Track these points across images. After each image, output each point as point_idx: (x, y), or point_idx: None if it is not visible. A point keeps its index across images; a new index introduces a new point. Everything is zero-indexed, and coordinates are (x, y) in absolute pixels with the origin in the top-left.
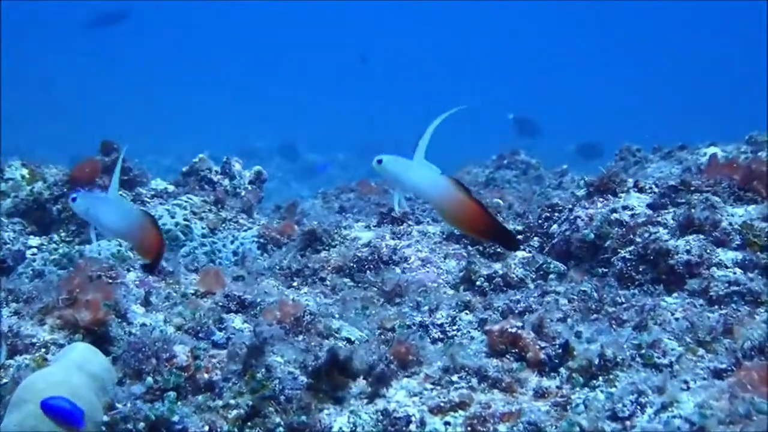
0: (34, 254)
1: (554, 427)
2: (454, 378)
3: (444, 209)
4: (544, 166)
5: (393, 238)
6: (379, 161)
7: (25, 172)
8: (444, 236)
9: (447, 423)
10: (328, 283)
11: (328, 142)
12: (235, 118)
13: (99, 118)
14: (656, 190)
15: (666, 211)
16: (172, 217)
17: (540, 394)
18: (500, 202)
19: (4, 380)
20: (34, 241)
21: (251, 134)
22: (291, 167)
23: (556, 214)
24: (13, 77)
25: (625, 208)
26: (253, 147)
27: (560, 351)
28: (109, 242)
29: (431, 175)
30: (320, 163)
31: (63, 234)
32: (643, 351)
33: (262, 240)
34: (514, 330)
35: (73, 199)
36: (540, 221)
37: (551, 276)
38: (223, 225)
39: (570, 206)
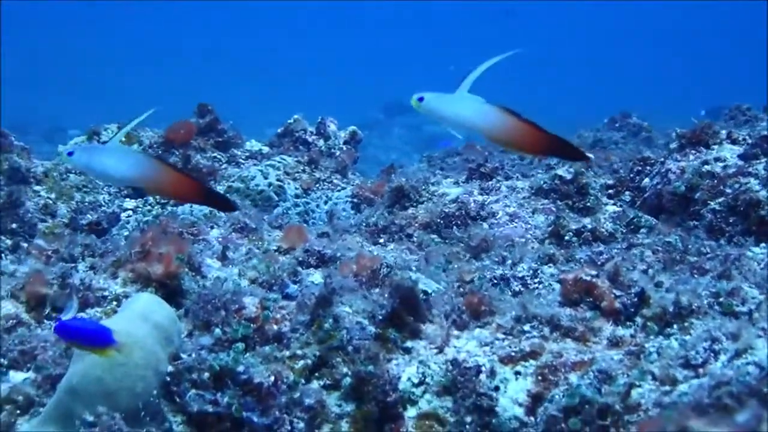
0: (128, 216)
1: (626, 375)
2: (526, 327)
3: (498, 137)
4: (658, 130)
5: (481, 194)
6: (420, 99)
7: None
8: (533, 191)
9: (517, 372)
10: (414, 239)
11: None
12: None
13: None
14: (749, 140)
15: (758, 161)
16: (265, 178)
17: (614, 343)
18: (591, 156)
19: None
20: (129, 203)
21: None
22: (411, 138)
23: (648, 167)
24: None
25: (717, 159)
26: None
27: (636, 300)
28: None
29: (477, 105)
30: (443, 139)
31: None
32: (722, 299)
33: (355, 200)
34: (588, 278)
35: (70, 154)
36: (631, 175)
37: (642, 230)
38: (317, 185)
39: (662, 159)
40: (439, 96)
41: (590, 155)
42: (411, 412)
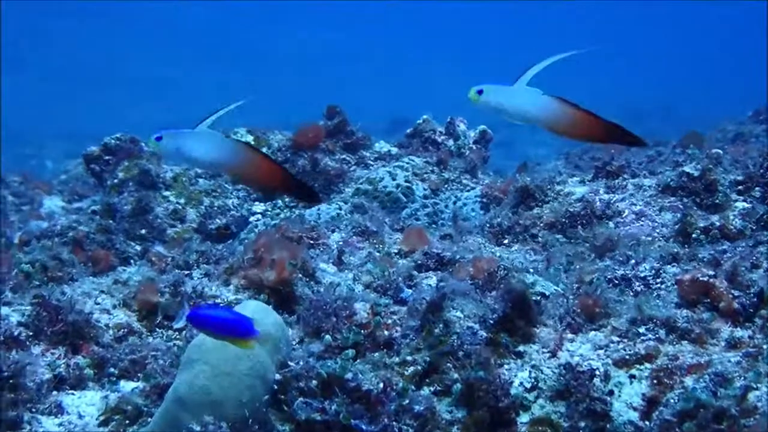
0: (257, 220)
1: (743, 378)
2: (642, 330)
3: (558, 127)
4: None
5: (607, 192)
6: (480, 92)
7: (250, 138)
8: (660, 189)
9: (632, 376)
10: (539, 239)
11: (597, 104)
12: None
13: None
14: None
15: None
16: (393, 179)
17: (732, 344)
18: (720, 152)
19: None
20: (258, 207)
21: None
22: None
23: None
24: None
25: None
26: None
27: (755, 300)
28: (329, 206)
29: (536, 97)
30: None
31: (287, 199)
32: None
33: (484, 200)
34: (705, 279)
35: (158, 139)
36: (762, 171)
37: None
38: (446, 186)
39: None
40: (497, 88)
41: (647, 141)
42: (523, 417)
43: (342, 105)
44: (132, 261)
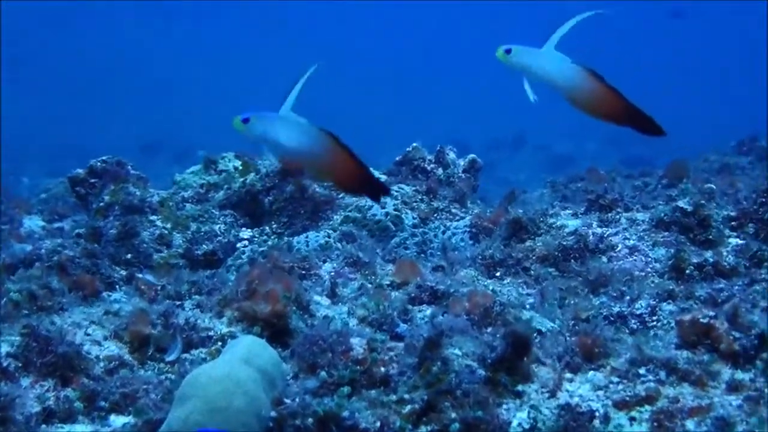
0: (244, 246)
1: (745, 422)
2: (642, 371)
3: (577, 97)
4: None
5: (600, 226)
6: (508, 50)
7: (238, 163)
8: (653, 223)
9: (632, 418)
10: (532, 273)
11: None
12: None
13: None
14: None
15: None
16: (383, 207)
17: (733, 387)
18: (713, 186)
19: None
20: (245, 233)
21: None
22: (541, 159)
23: None
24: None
25: None
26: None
27: (756, 342)
28: (317, 234)
29: (564, 63)
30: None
31: (274, 226)
32: None
33: (474, 230)
34: (706, 320)
35: (245, 120)
36: (755, 207)
37: (766, 264)
38: (435, 215)
39: None
40: (526, 49)
41: (664, 131)
42: None
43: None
44: (118, 286)
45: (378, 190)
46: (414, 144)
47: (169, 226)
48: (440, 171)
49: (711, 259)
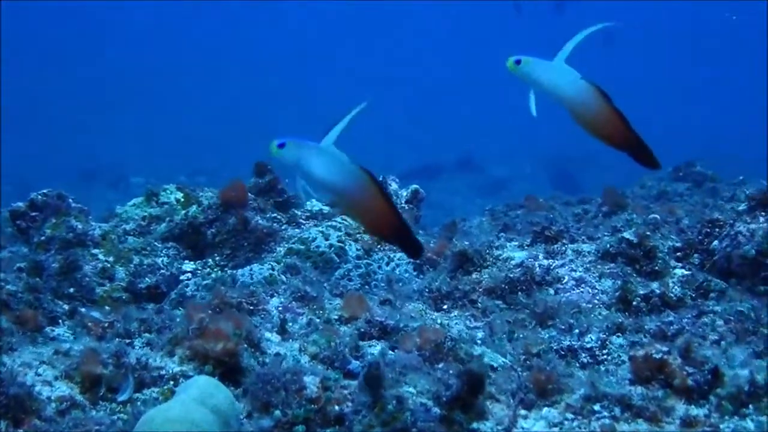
0: (188, 279)
1: None
2: (596, 407)
3: (580, 114)
4: (722, 178)
5: (546, 258)
6: (518, 61)
7: (180, 195)
8: (599, 255)
9: None
10: (479, 305)
11: (514, 154)
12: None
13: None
14: None
15: None
16: (326, 239)
17: (687, 423)
18: (657, 217)
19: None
20: (188, 265)
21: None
22: (474, 182)
23: (717, 229)
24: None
25: None
26: (437, 163)
27: (709, 377)
28: (261, 266)
29: (571, 77)
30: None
31: (217, 258)
32: None
33: (417, 261)
34: (659, 356)
35: (281, 146)
36: (700, 237)
37: (711, 295)
38: (379, 246)
39: (731, 221)
40: (537, 61)
41: (659, 163)
42: None
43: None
44: (60, 321)
45: (411, 244)
46: None
47: (111, 259)
48: None
49: (657, 291)
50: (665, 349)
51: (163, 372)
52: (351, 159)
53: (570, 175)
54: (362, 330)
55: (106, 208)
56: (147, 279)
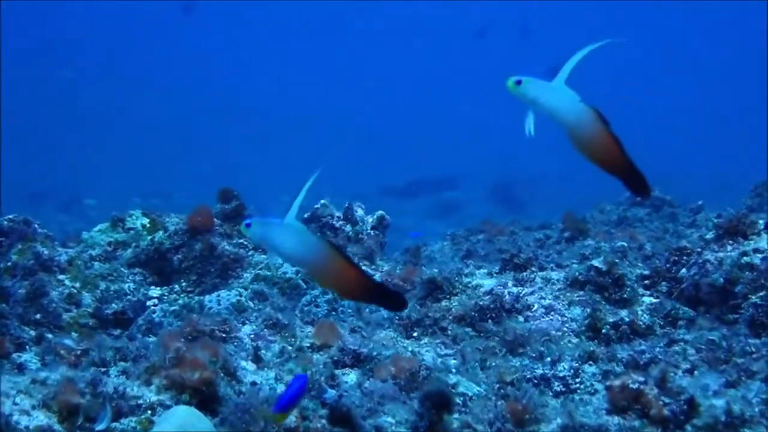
0: (154, 305)
1: None
2: None
3: (577, 137)
4: (679, 203)
5: (516, 285)
6: (518, 82)
7: (146, 221)
8: (568, 283)
9: None
10: (449, 332)
11: (465, 176)
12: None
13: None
14: None
15: None
16: (293, 266)
17: None
18: (624, 244)
19: None
20: (155, 291)
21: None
22: (424, 204)
23: (685, 257)
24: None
25: (756, 251)
26: (391, 185)
27: (685, 407)
28: (229, 292)
29: (570, 99)
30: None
31: (184, 284)
32: None
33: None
34: (636, 386)
35: (247, 225)
36: (668, 265)
37: (680, 323)
38: None
39: (699, 249)
40: (537, 82)
41: (650, 191)
42: None
43: None
44: (27, 347)
45: (390, 300)
46: (322, 200)
47: (77, 285)
48: (349, 228)
49: (627, 319)
50: (641, 379)
51: (140, 401)
52: (312, 232)
53: (516, 199)
54: (336, 358)
55: (61, 231)
56: (114, 305)
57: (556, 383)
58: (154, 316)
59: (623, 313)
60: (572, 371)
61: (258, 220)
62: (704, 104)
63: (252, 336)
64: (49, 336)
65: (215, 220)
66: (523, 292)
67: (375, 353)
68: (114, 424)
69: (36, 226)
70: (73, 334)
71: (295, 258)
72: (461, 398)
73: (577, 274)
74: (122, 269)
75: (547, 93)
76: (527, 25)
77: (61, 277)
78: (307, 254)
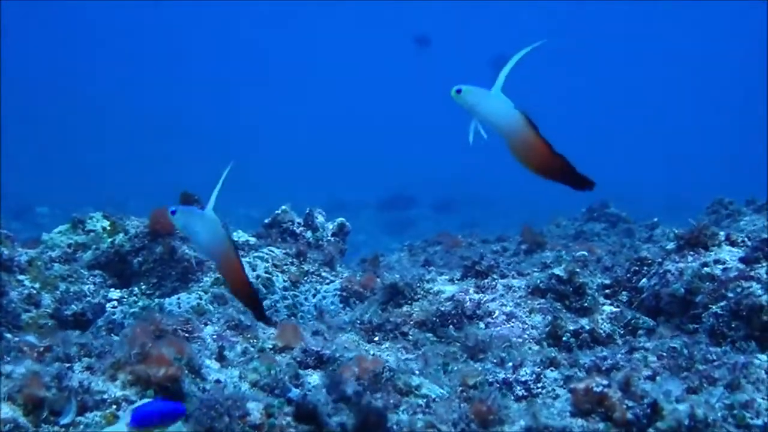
0: (114, 307)
1: None
2: None
3: (514, 145)
4: (635, 220)
5: (477, 292)
6: (458, 90)
7: (106, 223)
8: (529, 290)
9: None
10: (410, 338)
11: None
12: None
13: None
14: (749, 243)
15: (759, 265)
16: (254, 270)
17: None
18: (585, 254)
19: None
20: (114, 293)
21: (340, 186)
22: (382, 220)
23: (645, 268)
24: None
25: (716, 262)
26: (342, 200)
27: (648, 411)
28: (188, 295)
29: (505, 107)
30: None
31: (144, 287)
32: (735, 411)
33: (344, 293)
34: (600, 389)
35: (173, 212)
36: (628, 275)
37: (640, 332)
38: (305, 278)
39: (659, 260)
40: (476, 90)
41: (593, 182)
42: None
43: None
44: None
45: (258, 312)
46: (283, 206)
47: (37, 285)
48: (309, 234)
49: (587, 326)
50: (605, 382)
51: (105, 396)
52: (224, 226)
53: (468, 214)
54: (299, 359)
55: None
56: (73, 306)
57: (518, 387)
58: (114, 317)
59: (584, 321)
60: (534, 376)
61: (182, 208)
62: (660, 125)
63: (215, 336)
64: (8, 336)
65: None
66: (485, 299)
67: (338, 355)
68: (79, 418)
69: None
70: (33, 335)
71: (204, 249)
72: (424, 400)
73: (538, 281)
74: (82, 271)
75: (484, 100)
76: (425, 35)
77: (20, 277)
78: (212, 245)
